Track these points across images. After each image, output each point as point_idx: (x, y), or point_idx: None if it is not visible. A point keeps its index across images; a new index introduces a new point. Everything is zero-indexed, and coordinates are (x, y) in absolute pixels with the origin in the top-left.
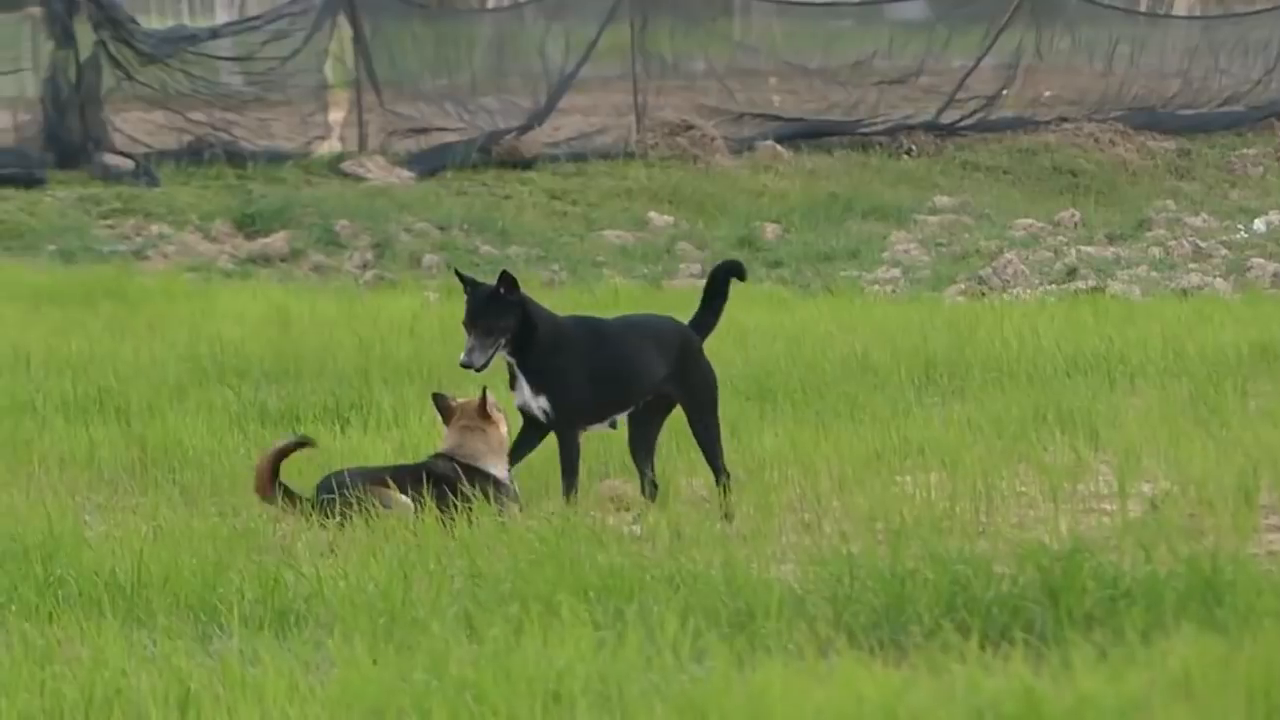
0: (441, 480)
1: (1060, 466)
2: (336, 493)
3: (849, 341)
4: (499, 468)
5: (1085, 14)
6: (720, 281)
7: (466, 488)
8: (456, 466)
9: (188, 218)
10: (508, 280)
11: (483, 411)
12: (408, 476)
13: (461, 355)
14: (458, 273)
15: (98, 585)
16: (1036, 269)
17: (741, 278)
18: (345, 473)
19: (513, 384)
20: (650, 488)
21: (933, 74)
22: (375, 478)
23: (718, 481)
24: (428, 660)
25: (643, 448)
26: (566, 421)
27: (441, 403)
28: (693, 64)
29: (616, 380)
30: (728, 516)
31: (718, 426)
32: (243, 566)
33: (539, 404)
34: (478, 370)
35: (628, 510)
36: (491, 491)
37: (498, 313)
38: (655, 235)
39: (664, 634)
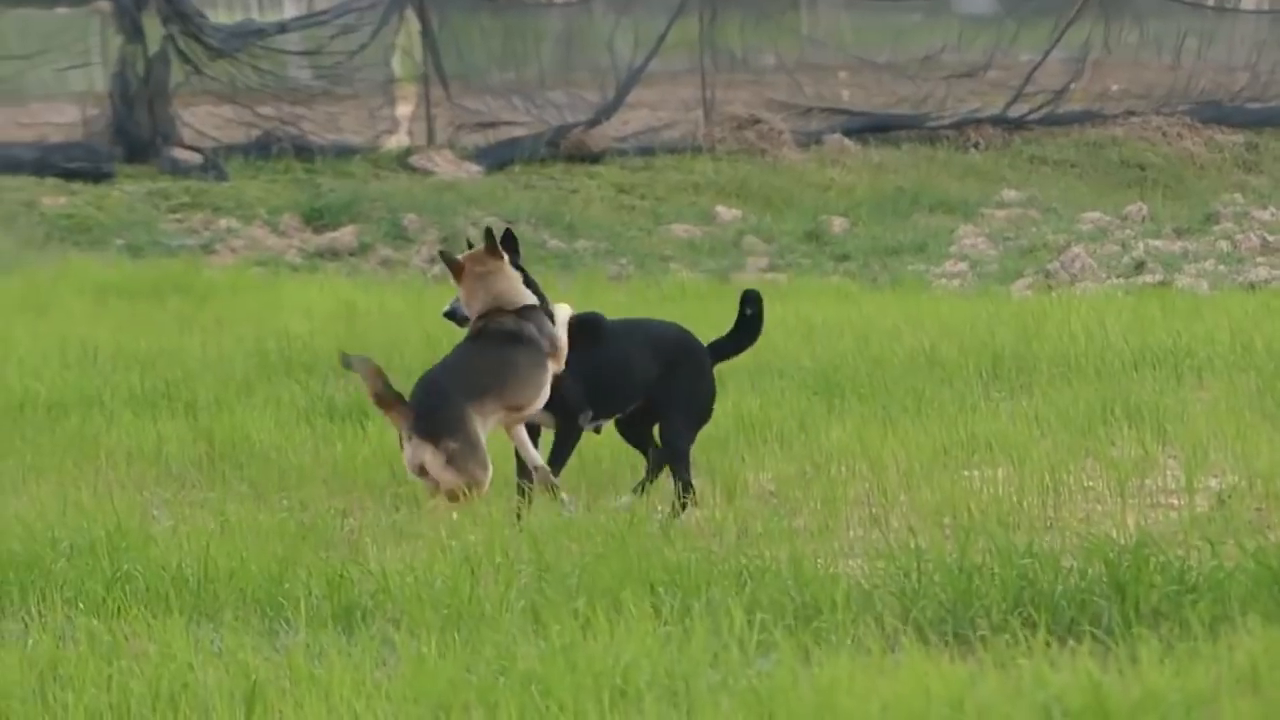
0: (511, 337)
1: (1127, 461)
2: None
3: (916, 336)
4: (529, 297)
5: (1153, 7)
6: (743, 310)
7: (532, 330)
8: (507, 318)
9: (256, 212)
10: (510, 239)
11: (492, 251)
12: (488, 360)
13: (446, 305)
14: (441, 253)
15: (164, 580)
16: (1104, 263)
17: (756, 306)
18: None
19: None
20: (652, 471)
21: (1000, 68)
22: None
23: (680, 498)
24: (494, 655)
25: (638, 440)
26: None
27: (449, 258)
28: (761, 58)
29: (604, 383)
30: (674, 514)
31: (688, 441)
32: (309, 562)
33: None
34: (459, 322)
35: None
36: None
37: None
38: (722, 229)
39: (730, 629)
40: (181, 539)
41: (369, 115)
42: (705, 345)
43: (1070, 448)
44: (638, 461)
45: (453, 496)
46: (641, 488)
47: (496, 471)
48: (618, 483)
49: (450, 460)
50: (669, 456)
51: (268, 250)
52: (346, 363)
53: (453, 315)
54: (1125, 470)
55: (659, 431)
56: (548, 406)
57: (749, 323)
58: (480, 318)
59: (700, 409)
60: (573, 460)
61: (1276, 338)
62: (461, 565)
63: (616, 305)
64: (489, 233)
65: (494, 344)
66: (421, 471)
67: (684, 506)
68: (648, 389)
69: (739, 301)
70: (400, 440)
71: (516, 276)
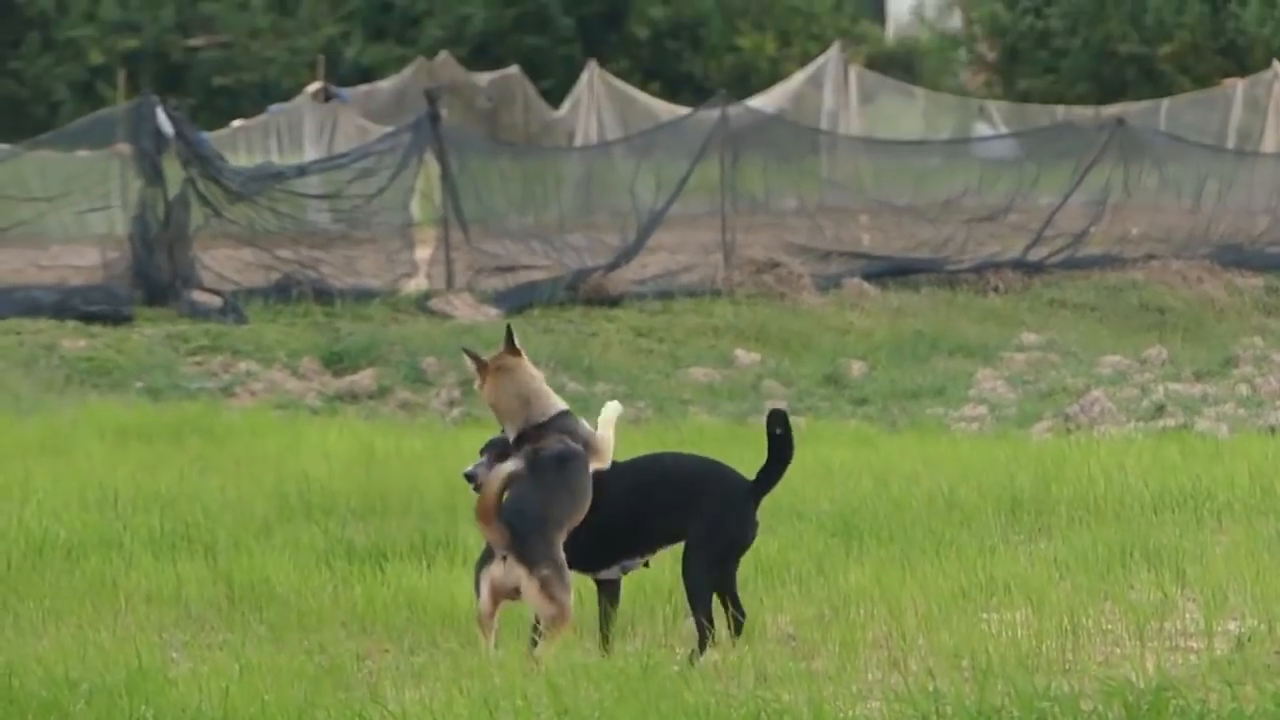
0: (563, 459)
1: (1147, 604)
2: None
3: (934, 479)
4: (559, 402)
5: (1173, 151)
6: (771, 430)
7: (578, 445)
8: (552, 440)
9: (275, 355)
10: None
11: (511, 349)
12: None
13: (468, 466)
14: (465, 350)
15: None
16: (1123, 406)
17: (784, 425)
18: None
19: None
20: (737, 617)
21: (1021, 211)
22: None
23: (700, 643)
24: None
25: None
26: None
27: (473, 355)
28: (782, 201)
29: (616, 521)
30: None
31: (709, 579)
32: (329, 704)
33: None
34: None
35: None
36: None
37: None
38: (741, 373)
39: None
40: (201, 681)
41: (388, 259)
42: (746, 482)
43: (1089, 590)
44: (656, 604)
45: (549, 624)
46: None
47: (511, 612)
48: (634, 623)
49: (544, 587)
50: (689, 596)
51: (287, 393)
52: (470, 477)
53: (472, 478)
54: (1144, 613)
55: (683, 568)
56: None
57: (780, 442)
58: (520, 440)
59: (725, 546)
60: (589, 600)
61: None
62: (479, 707)
63: (634, 448)
64: (509, 330)
65: (553, 471)
66: (508, 595)
67: (700, 650)
68: (672, 526)
69: (766, 422)
70: (486, 563)
71: (539, 375)
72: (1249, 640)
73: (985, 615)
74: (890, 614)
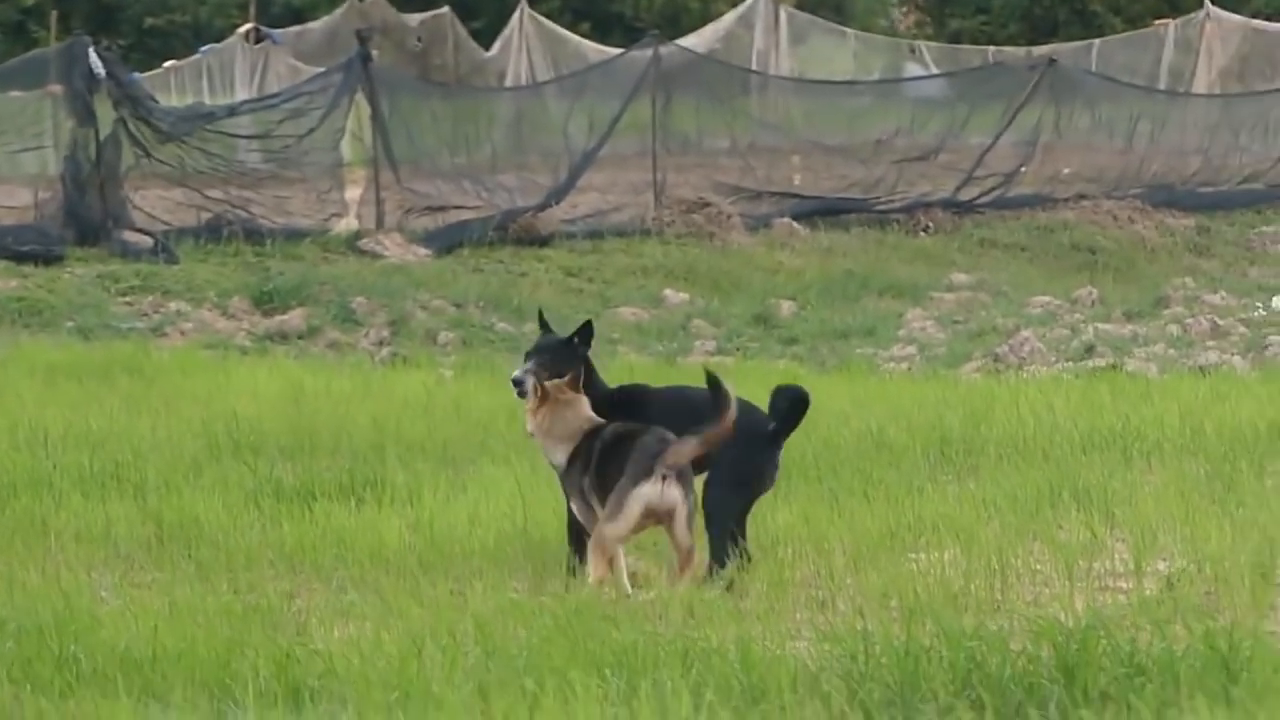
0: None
1: (1076, 544)
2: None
3: (864, 419)
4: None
5: (1105, 91)
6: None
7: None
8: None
9: (206, 295)
10: (586, 331)
11: (574, 386)
12: None
13: (517, 371)
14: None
15: (112, 662)
16: (1053, 346)
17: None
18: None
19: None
20: (743, 556)
21: (951, 151)
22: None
23: (711, 569)
24: None
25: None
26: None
27: (541, 386)
28: (712, 141)
29: None
30: (731, 588)
31: (729, 513)
32: (257, 643)
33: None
34: (519, 392)
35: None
36: None
37: (563, 358)
38: (670, 312)
39: (677, 710)
40: (130, 620)
41: (318, 199)
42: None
43: (1018, 530)
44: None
45: (686, 558)
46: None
47: (431, 548)
48: (563, 562)
49: (690, 517)
50: (708, 526)
51: (217, 333)
52: (519, 383)
53: (520, 383)
54: (1073, 553)
55: (703, 502)
56: None
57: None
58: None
59: (747, 482)
60: (518, 541)
61: (1226, 422)
62: (408, 646)
63: None
64: (577, 374)
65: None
66: (657, 519)
67: (709, 575)
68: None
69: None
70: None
71: (586, 403)
72: (1178, 580)
73: (913, 555)
74: (818, 553)
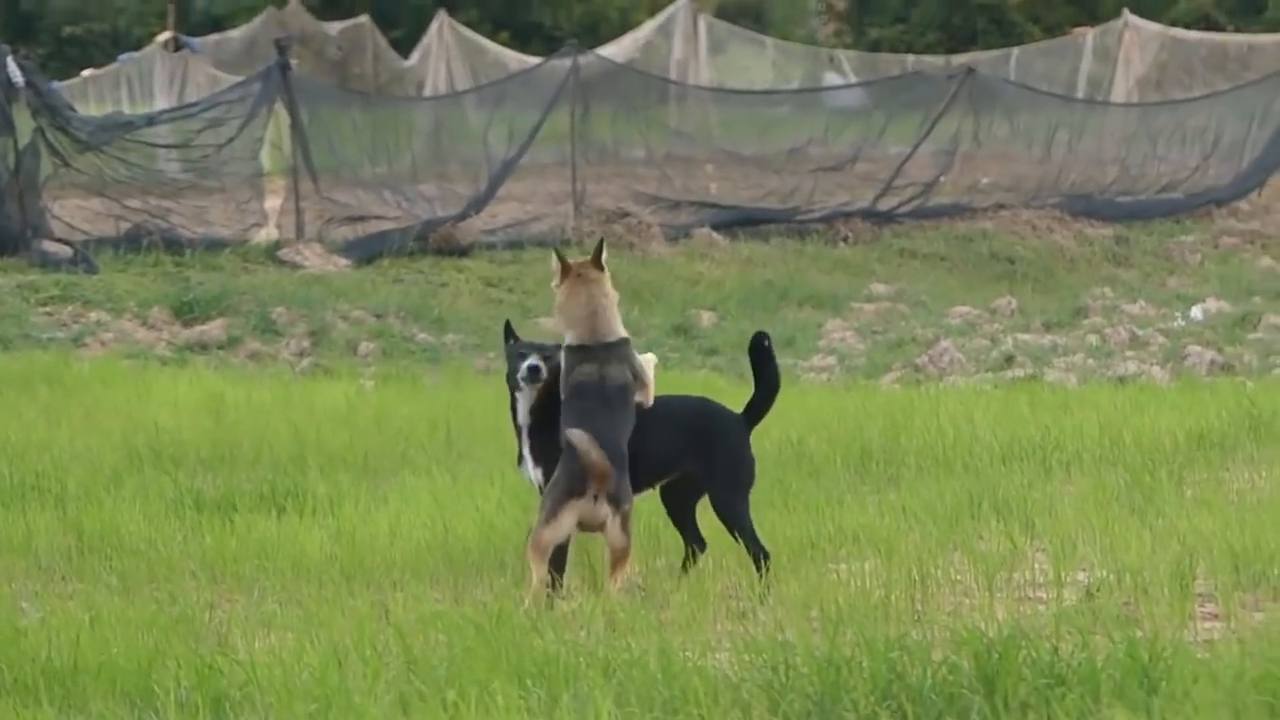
0: (626, 390)
1: (995, 554)
2: None
3: (783, 429)
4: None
5: (1023, 101)
6: (754, 358)
7: (635, 376)
8: (618, 368)
9: (125, 305)
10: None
11: (597, 263)
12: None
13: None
14: (555, 251)
15: (33, 673)
16: (973, 356)
17: (762, 347)
18: None
19: (520, 458)
20: (695, 549)
21: (869, 161)
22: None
23: (756, 565)
24: None
25: (680, 514)
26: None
27: (561, 257)
28: (631, 151)
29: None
30: (762, 599)
31: (743, 508)
32: (179, 654)
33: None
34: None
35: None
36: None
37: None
38: None
39: None
40: (51, 631)
41: (238, 208)
42: (737, 414)
43: (938, 541)
44: (506, 555)
45: (619, 558)
46: (684, 568)
47: (352, 559)
48: (484, 573)
49: (624, 523)
50: (731, 531)
51: (137, 343)
52: (567, 439)
53: (536, 370)
54: (993, 563)
55: (715, 510)
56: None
57: (766, 370)
58: (580, 351)
59: (744, 476)
60: (439, 551)
61: (1145, 432)
62: (329, 656)
63: (485, 399)
64: (600, 244)
65: (620, 401)
66: (591, 530)
67: (762, 571)
68: (673, 464)
69: (750, 349)
70: (567, 499)
71: (614, 297)
72: (1098, 590)
73: (834, 565)
74: (739, 565)
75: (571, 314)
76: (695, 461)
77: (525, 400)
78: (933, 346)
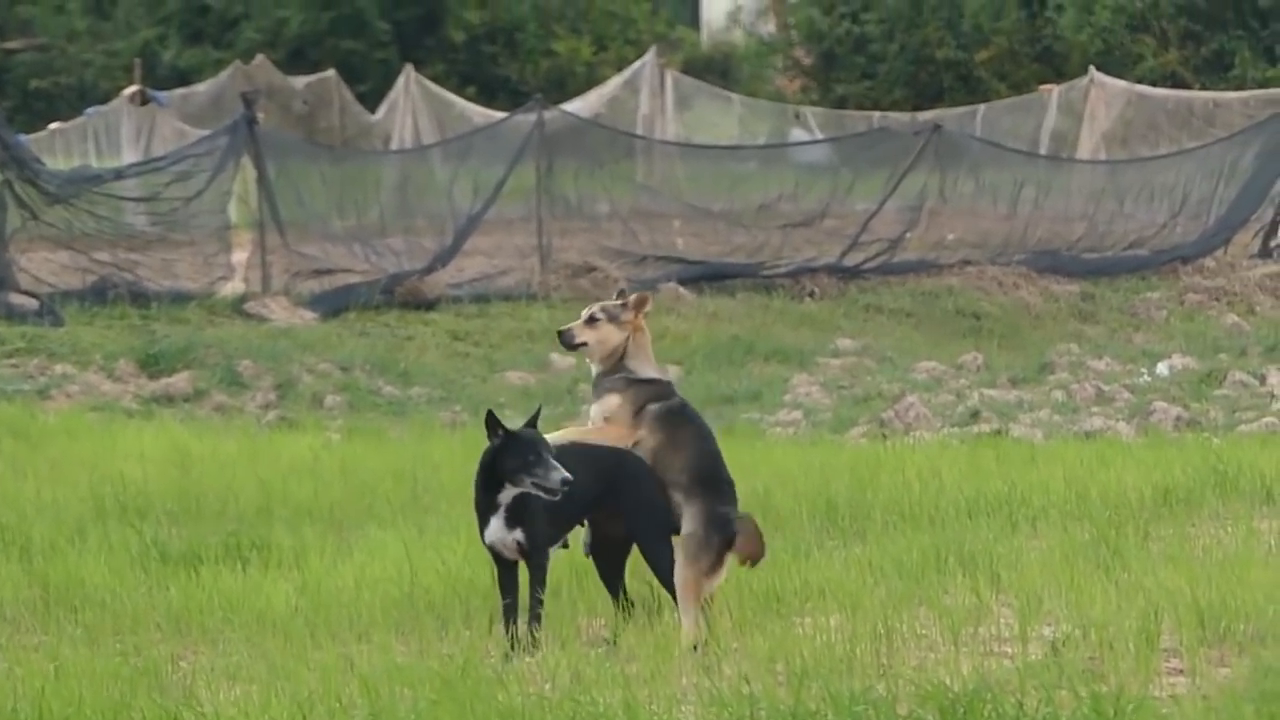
0: None
1: (961, 609)
2: None
3: (750, 483)
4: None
5: (989, 157)
6: None
7: None
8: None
9: (92, 358)
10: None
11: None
12: None
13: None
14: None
15: None
16: (939, 412)
17: None
18: None
19: (483, 526)
20: (624, 608)
21: (836, 217)
22: None
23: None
24: None
25: (609, 569)
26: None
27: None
28: (597, 206)
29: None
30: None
31: (667, 553)
32: (144, 706)
33: (514, 538)
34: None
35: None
36: None
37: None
38: (557, 377)
39: None
40: (16, 682)
41: (204, 261)
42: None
43: (904, 595)
44: (472, 606)
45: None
46: (614, 629)
47: (318, 611)
48: (450, 626)
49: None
50: (656, 575)
51: (103, 396)
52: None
53: (566, 339)
54: (959, 618)
55: (647, 560)
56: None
57: None
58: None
59: (657, 519)
60: (405, 604)
61: (1110, 487)
62: (295, 709)
63: (451, 453)
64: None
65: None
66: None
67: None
68: (589, 504)
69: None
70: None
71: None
72: (1063, 645)
73: (800, 619)
74: (705, 618)
75: (617, 354)
76: (614, 505)
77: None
78: (899, 401)
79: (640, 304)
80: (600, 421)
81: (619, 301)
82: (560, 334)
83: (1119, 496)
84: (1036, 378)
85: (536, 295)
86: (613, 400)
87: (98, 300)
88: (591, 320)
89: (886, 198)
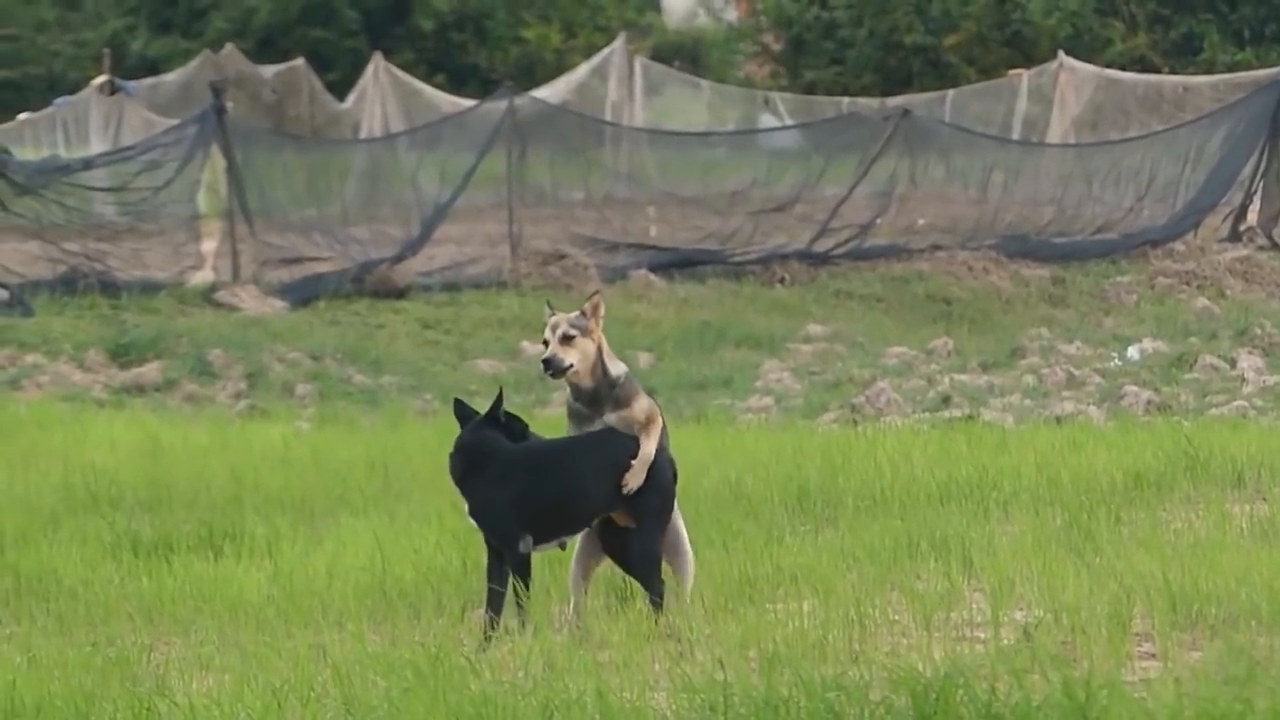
0: None
1: (933, 594)
2: None
3: (722, 470)
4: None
5: (959, 142)
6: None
7: None
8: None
9: (62, 348)
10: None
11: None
12: None
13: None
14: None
15: None
16: (909, 397)
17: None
18: None
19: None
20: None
21: (806, 203)
22: None
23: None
24: None
25: (616, 543)
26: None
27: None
28: (568, 193)
29: (551, 504)
30: (672, 636)
31: (658, 536)
32: (116, 696)
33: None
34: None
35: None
36: None
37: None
38: (528, 365)
39: None
40: None
41: (174, 251)
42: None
43: (876, 580)
44: (444, 595)
45: None
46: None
47: (290, 600)
48: (423, 614)
49: None
50: (636, 561)
51: (73, 386)
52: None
53: (555, 365)
54: (931, 603)
55: (637, 535)
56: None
57: None
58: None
59: (661, 503)
60: (377, 592)
61: (1082, 471)
62: (268, 698)
63: (423, 441)
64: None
65: None
66: None
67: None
68: (603, 505)
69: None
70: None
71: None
72: (1036, 630)
73: (772, 605)
74: (677, 604)
75: (592, 363)
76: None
77: None
78: (870, 387)
79: (596, 309)
80: (648, 422)
81: (576, 313)
82: (546, 363)
83: (1090, 481)
84: (1007, 362)
85: (507, 283)
86: (644, 399)
87: (67, 290)
88: (566, 338)
89: (856, 183)
